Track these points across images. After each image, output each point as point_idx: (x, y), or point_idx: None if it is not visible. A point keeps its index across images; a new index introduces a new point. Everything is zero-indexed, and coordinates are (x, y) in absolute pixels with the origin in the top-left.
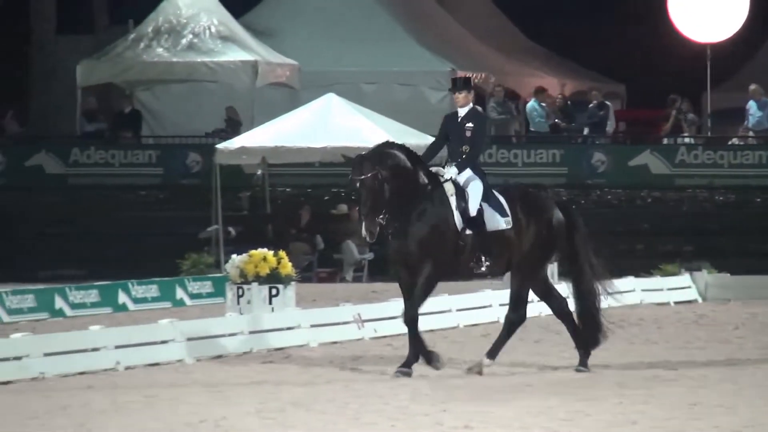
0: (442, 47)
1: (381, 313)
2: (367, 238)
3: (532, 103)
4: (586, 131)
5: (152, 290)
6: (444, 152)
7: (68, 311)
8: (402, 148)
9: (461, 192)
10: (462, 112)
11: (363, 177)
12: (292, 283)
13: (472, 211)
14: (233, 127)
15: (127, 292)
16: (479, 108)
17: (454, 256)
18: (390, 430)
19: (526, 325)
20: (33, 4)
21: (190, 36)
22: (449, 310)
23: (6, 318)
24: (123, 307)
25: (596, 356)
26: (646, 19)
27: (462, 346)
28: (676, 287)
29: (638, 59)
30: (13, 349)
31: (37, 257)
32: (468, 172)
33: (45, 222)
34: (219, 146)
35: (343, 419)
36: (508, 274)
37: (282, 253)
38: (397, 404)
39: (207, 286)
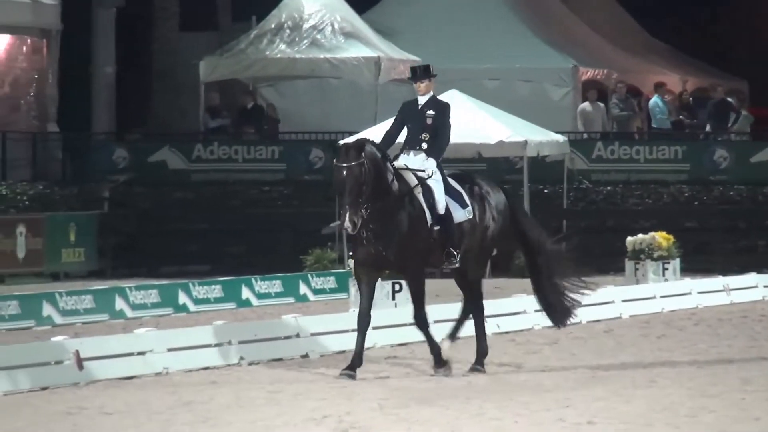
0: (564, 44)
1: (503, 309)
2: (349, 229)
3: (654, 100)
4: (708, 128)
5: (275, 286)
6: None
7: (192, 307)
8: (379, 146)
9: (427, 188)
10: (422, 100)
11: (350, 165)
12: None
13: (441, 209)
14: (272, 125)
15: (251, 287)
16: (440, 99)
17: (425, 255)
18: (513, 426)
19: (648, 321)
20: (156, 1)
21: (313, 32)
22: (524, 311)
23: (130, 313)
24: (246, 303)
25: (720, 352)
26: None
27: (584, 341)
28: None
29: (761, 56)
30: (138, 344)
31: (160, 253)
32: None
33: (168, 218)
34: (342, 142)
35: (467, 415)
36: None
37: None
38: (520, 400)
39: (330, 282)
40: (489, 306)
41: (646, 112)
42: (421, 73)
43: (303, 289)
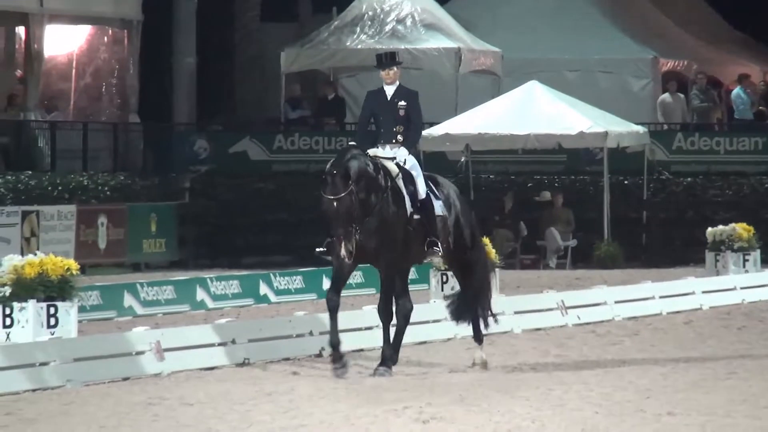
0: (645, 35)
1: (584, 300)
2: (346, 259)
3: (737, 91)
4: None
5: (356, 276)
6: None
7: (273, 297)
8: (361, 149)
9: (407, 175)
10: (390, 90)
11: (339, 197)
12: (496, 269)
13: (422, 193)
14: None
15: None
16: (407, 86)
17: (404, 245)
18: (594, 416)
19: (729, 312)
20: None
21: (394, 23)
22: (652, 297)
23: (211, 304)
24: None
25: None
26: None
27: (665, 333)
28: None
29: None
30: (219, 334)
31: (241, 244)
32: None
33: (249, 209)
34: (423, 133)
35: (548, 406)
36: None
37: (486, 240)
38: (601, 391)
39: (411, 273)
40: (570, 297)
41: (726, 104)
42: (387, 60)
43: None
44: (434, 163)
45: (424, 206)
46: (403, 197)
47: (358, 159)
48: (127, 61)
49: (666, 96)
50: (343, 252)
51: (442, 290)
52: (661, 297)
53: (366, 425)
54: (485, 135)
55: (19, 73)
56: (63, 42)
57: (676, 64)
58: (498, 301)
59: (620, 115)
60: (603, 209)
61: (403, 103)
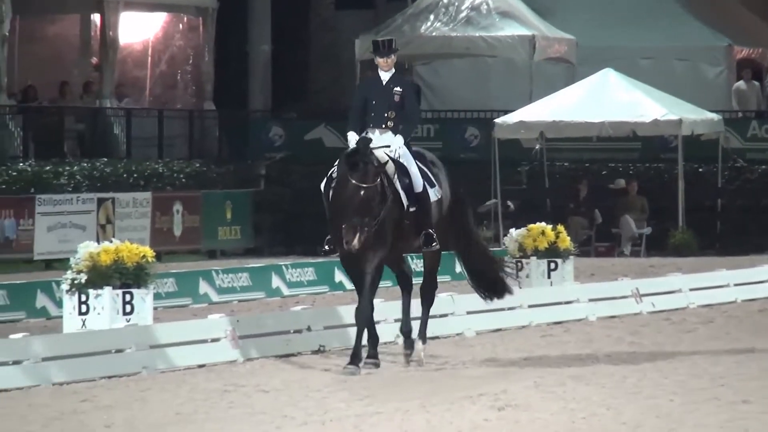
0: (719, 22)
1: (659, 288)
2: (354, 249)
3: None
4: None
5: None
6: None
7: (348, 285)
8: (366, 140)
9: (401, 167)
10: (386, 76)
11: (369, 186)
12: (571, 257)
13: (418, 187)
14: None
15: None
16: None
17: (399, 240)
18: (668, 404)
19: None
20: None
21: (468, 10)
22: (727, 285)
23: (286, 291)
24: None
25: None
26: None
27: (740, 321)
28: None
29: None
30: (295, 321)
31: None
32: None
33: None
34: (498, 121)
35: (622, 393)
36: None
37: (560, 227)
38: (676, 378)
39: None
40: (645, 284)
41: None
42: (385, 48)
43: (459, 267)
44: (508, 150)
45: (420, 198)
46: (398, 191)
47: (372, 148)
48: (202, 48)
49: (741, 83)
50: (355, 242)
51: (517, 277)
52: (735, 285)
53: (441, 412)
54: (560, 122)
55: (94, 60)
56: (138, 29)
57: (751, 51)
58: (573, 288)
59: (694, 102)
60: (677, 197)
61: (398, 89)
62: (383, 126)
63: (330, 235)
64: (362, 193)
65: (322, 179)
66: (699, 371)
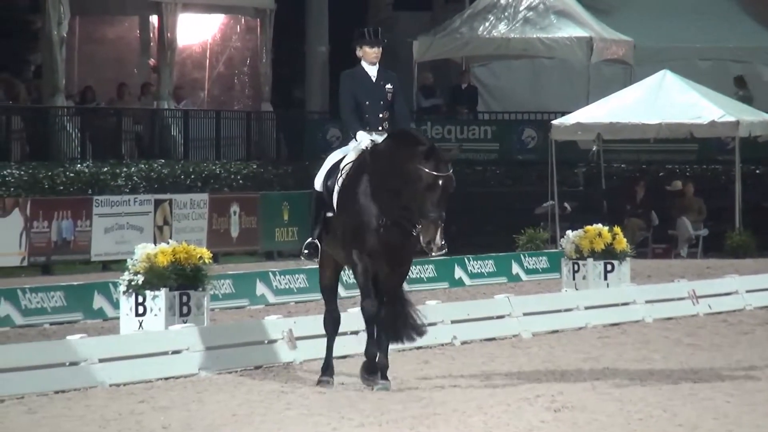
0: None
1: (716, 290)
2: (444, 249)
3: None
4: None
5: (488, 265)
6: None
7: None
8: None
9: None
10: (373, 71)
11: (452, 176)
12: (627, 258)
13: None
14: None
15: (463, 267)
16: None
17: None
18: (725, 405)
19: None
20: None
21: (526, 11)
22: (736, 292)
23: (344, 293)
24: (459, 282)
25: None
26: None
27: (752, 328)
28: None
29: None
30: (352, 323)
31: None
32: None
33: None
34: (555, 122)
35: (679, 395)
36: None
37: (617, 229)
38: (733, 380)
39: (542, 262)
40: (701, 286)
41: None
42: (374, 37)
43: (515, 268)
44: (565, 151)
45: None
46: None
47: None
48: (260, 49)
49: None
50: (443, 241)
51: (574, 279)
52: (747, 291)
53: (499, 414)
54: (617, 124)
55: (152, 62)
56: (196, 31)
57: None
58: (629, 290)
59: (753, 104)
60: (734, 198)
61: (389, 86)
62: (379, 129)
63: (317, 237)
64: (441, 182)
65: None
66: (756, 373)
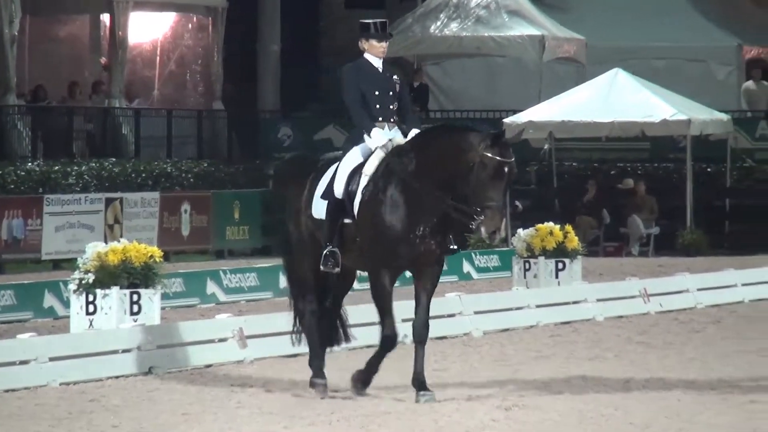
0: (729, 22)
1: (667, 288)
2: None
3: None
4: None
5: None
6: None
7: (355, 284)
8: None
9: None
10: (378, 63)
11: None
12: (579, 257)
13: None
14: None
15: None
16: None
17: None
18: (677, 404)
19: None
20: None
21: (478, 10)
22: (735, 285)
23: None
24: (409, 281)
25: None
26: None
27: (748, 321)
28: None
29: None
30: None
31: None
32: None
33: None
34: (506, 120)
35: (631, 393)
36: None
37: (568, 227)
38: (685, 378)
39: (494, 260)
40: (653, 284)
41: None
42: (381, 30)
43: (467, 267)
44: (517, 150)
45: None
46: None
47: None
48: (211, 48)
49: (750, 83)
50: (504, 229)
51: (525, 277)
52: (744, 284)
53: (450, 413)
54: (569, 122)
55: (103, 60)
56: (148, 29)
57: (761, 51)
58: (581, 288)
59: (704, 102)
60: (686, 197)
61: (396, 77)
62: (391, 120)
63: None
64: (506, 169)
65: None
66: (708, 371)
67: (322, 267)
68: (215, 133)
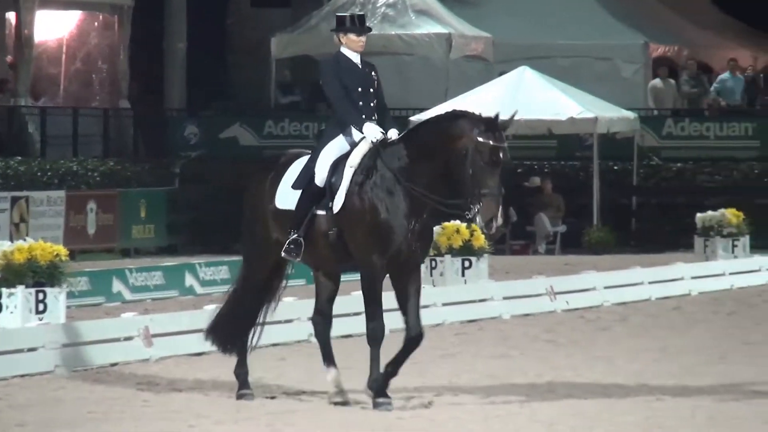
0: (636, 20)
1: (574, 286)
2: (505, 229)
3: (725, 76)
4: None
5: None
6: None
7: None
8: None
9: None
10: (356, 58)
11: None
12: (485, 255)
13: None
14: None
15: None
16: None
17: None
18: (584, 402)
19: (718, 298)
20: None
21: (385, 8)
22: (641, 283)
23: (200, 290)
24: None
25: None
26: None
27: (654, 318)
28: None
29: None
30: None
31: (231, 229)
32: None
33: (239, 194)
34: (412, 118)
35: (538, 391)
36: None
37: (475, 226)
38: (591, 376)
39: None
40: (559, 282)
41: (717, 89)
42: (359, 24)
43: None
44: None
45: None
46: None
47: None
48: (117, 46)
49: (657, 81)
50: (501, 217)
51: (431, 275)
52: (650, 282)
53: (356, 410)
54: None
55: (9, 58)
56: (53, 27)
57: (667, 49)
58: (487, 286)
59: (611, 100)
60: (593, 195)
61: (374, 74)
62: (372, 118)
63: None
64: (501, 154)
65: (236, 178)
66: (615, 369)
67: (284, 254)
68: (121, 131)
